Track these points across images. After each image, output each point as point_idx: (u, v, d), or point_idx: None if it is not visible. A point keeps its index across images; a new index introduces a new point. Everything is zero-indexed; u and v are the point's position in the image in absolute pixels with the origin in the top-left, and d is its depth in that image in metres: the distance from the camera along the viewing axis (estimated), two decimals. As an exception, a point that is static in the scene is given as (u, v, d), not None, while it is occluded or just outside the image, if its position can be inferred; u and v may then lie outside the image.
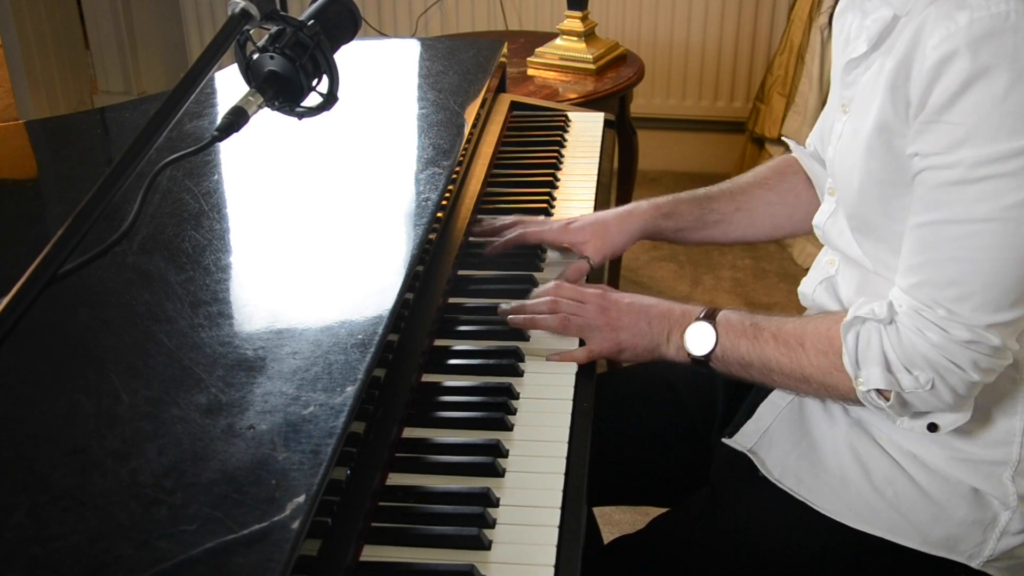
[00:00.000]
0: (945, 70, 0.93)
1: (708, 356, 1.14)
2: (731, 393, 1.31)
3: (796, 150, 1.36)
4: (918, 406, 1.03)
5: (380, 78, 1.73)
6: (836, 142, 1.14)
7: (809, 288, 1.24)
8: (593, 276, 1.35)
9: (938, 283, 0.98)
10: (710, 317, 1.14)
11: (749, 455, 1.19)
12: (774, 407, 1.21)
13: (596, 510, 1.49)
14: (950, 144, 0.94)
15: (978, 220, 0.94)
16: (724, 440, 1.22)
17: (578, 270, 1.33)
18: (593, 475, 1.04)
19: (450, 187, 1.32)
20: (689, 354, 1.15)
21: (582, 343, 1.19)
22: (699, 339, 1.14)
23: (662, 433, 1.34)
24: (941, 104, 0.94)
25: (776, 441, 1.19)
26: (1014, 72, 0.90)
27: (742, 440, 1.21)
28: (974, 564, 1.09)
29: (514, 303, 1.21)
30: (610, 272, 2.61)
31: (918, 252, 1.00)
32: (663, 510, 1.33)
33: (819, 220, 1.22)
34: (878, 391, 1.02)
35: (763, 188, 1.39)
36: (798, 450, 1.17)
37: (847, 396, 1.07)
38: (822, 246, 1.25)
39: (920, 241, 0.99)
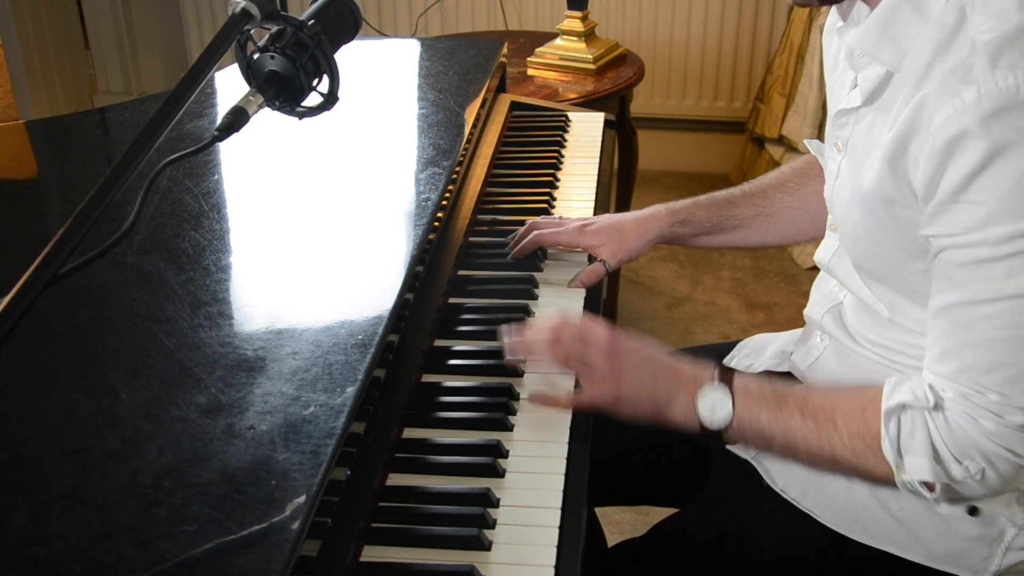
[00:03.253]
0: (957, 150, 0.88)
1: (724, 428, 1.04)
2: None
3: (816, 153, 1.31)
4: (965, 495, 0.98)
5: (380, 78, 1.73)
6: (833, 182, 1.11)
7: (816, 314, 1.19)
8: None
9: (982, 367, 0.92)
10: (725, 381, 1.05)
11: (752, 463, 1.19)
12: None
13: (597, 510, 1.48)
14: (973, 223, 0.90)
15: (1012, 297, 0.90)
16: (728, 447, 1.22)
17: (594, 273, 1.32)
18: (593, 475, 1.03)
19: (450, 187, 1.32)
20: (701, 423, 1.05)
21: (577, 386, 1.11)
22: (714, 408, 1.05)
23: (662, 433, 1.34)
24: (958, 185, 0.89)
25: None
26: None
27: (746, 447, 1.20)
28: None
29: (514, 335, 1.12)
30: (610, 272, 2.60)
31: (951, 335, 0.94)
32: (664, 510, 1.33)
33: (822, 257, 1.18)
34: (922, 482, 0.96)
35: (784, 192, 1.37)
36: None
37: (882, 480, 1.00)
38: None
39: (952, 323, 0.94)
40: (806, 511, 1.13)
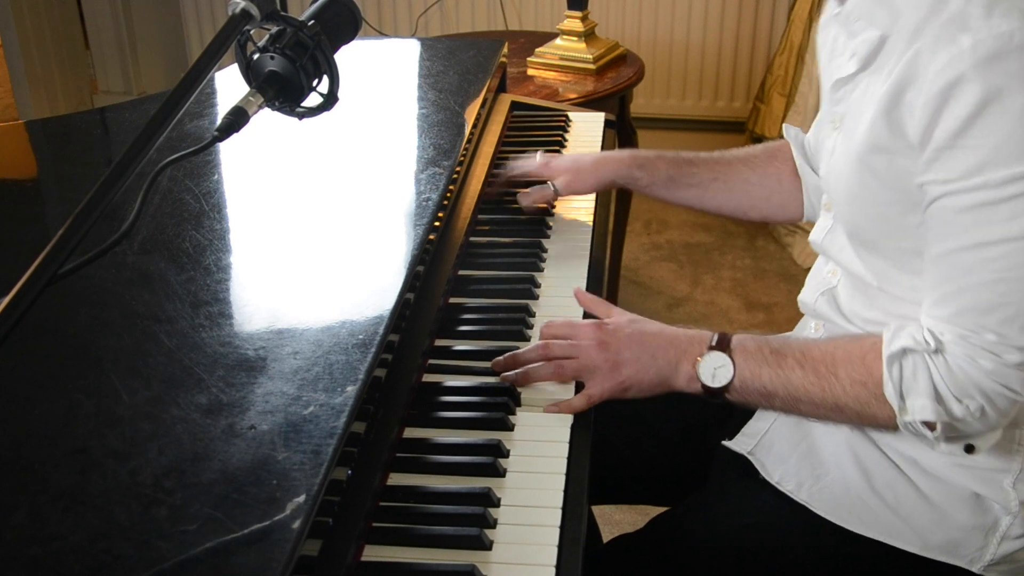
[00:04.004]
0: (954, 95, 0.91)
1: (726, 387, 1.07)
2: None
3: (791, 140, 1.36)
4: (964, 432, 1.00)
5: (380, 78, 1.73)
6: (828, 159, 1.13)
7: (810, 298, 1.22)
8: (594, 282, 1.35)
9: (980, 309, 0.95)
10: (723, 345, 1.08)
11: (749, 457, 1.19)
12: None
13: (596, 510, 1.48)
14: (971, 168, 0.92)
15: (1014, 239, 0.92)
16: (724, 443, 1.22)
17: (542, 193, 1.44)
18: (593, 474, 1.03)
19: (451, 187, 1.32)
20: (704, 386, 1.08)
21: (582, 386, 1.12)
22: (715, 370, 1.08)
23: (662, 432, 1.34)
24: (955, 130, 0.91)
25: (776, 443, 1.18)
26: None
27: (742, 442, 1.20)
28: (975, 568, 1.08)
29: (504, 356, 1.14)
30: (610, 272, 2.60)
31: (950, 279, 0.97)
32: (663, 509, 1.33)
33: (816, 237, 1.20)
34: (924, 421, 0.99)
35: (747, 166, 1.41)
36: (798, 452, 1.16)
37: (884, 425, 1.03)
38: None
39: (951, 268, 0.96)
40: (802, 503, 1.14)
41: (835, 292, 1.18)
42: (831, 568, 1.14)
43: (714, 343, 1.09)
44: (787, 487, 1.15)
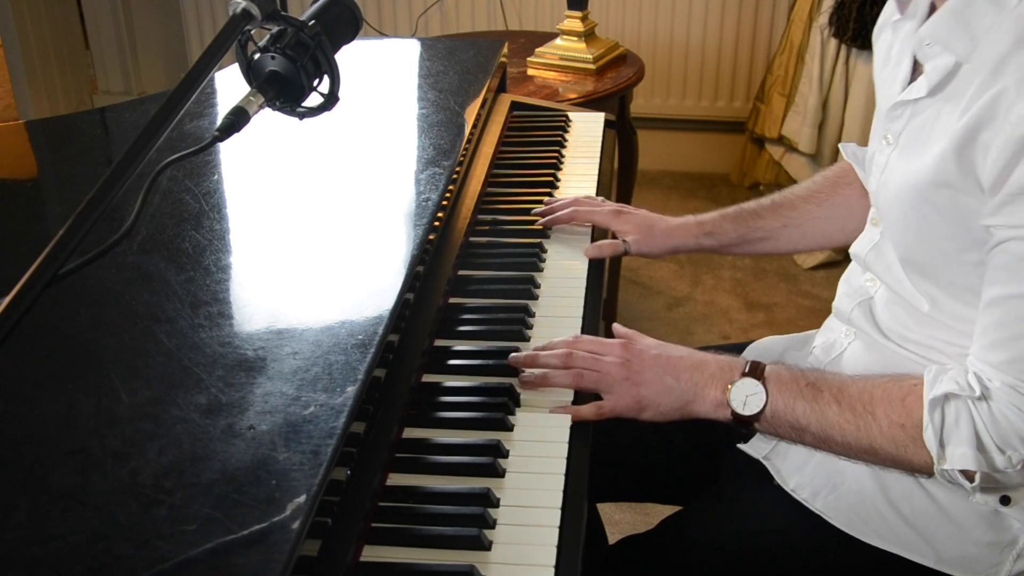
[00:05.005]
0: None
1: (756, 416, 1.04)
2: None
3: (851, 159, 1.32)
4: (1003, 483, 0.98)
5: (380, 78, 1.73)
6: (879, 175, 1.10)
7: (846, 307, 1.18)
8: (594, 282, 1.35)
9: None
10: (756, 373, 1.06)
11: (764, 462, 1.18)
12: None
13: (598, 508, 1.48)
14: None
15: None
16: (739, 446, 1.21)
17: (613, 246, 1.40)
18: (596, 471, 1.03)
19: (450, 187, 1.32)
20: (733, 413, 1.06)
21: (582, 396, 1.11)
22: (747, 397, 1.05)
23: (668, 429, 1.33)
24: None
25: (792, 450, 1.17)
26: None
27: (758, 447, 1.20)
28: None
29: (524, 354, 1.12)
30: (610, 272, 2.61)
31: (1005, 326, 0.94)
32: (664, 508, 1.33)
33: (859, 249, 1.17)
34: (963, 471, 0.96)
35: (813, 203, 1.38)
36: (815, 460, 1.15)
37: (919, 470, 1.01)
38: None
39: (1007, 314, 0.94)
40: (817, 512, 1.13)
41: (872, 303, 1.15)
42: None
43: (747, 370, 1.06)
44: (802, 495, 1.14)
